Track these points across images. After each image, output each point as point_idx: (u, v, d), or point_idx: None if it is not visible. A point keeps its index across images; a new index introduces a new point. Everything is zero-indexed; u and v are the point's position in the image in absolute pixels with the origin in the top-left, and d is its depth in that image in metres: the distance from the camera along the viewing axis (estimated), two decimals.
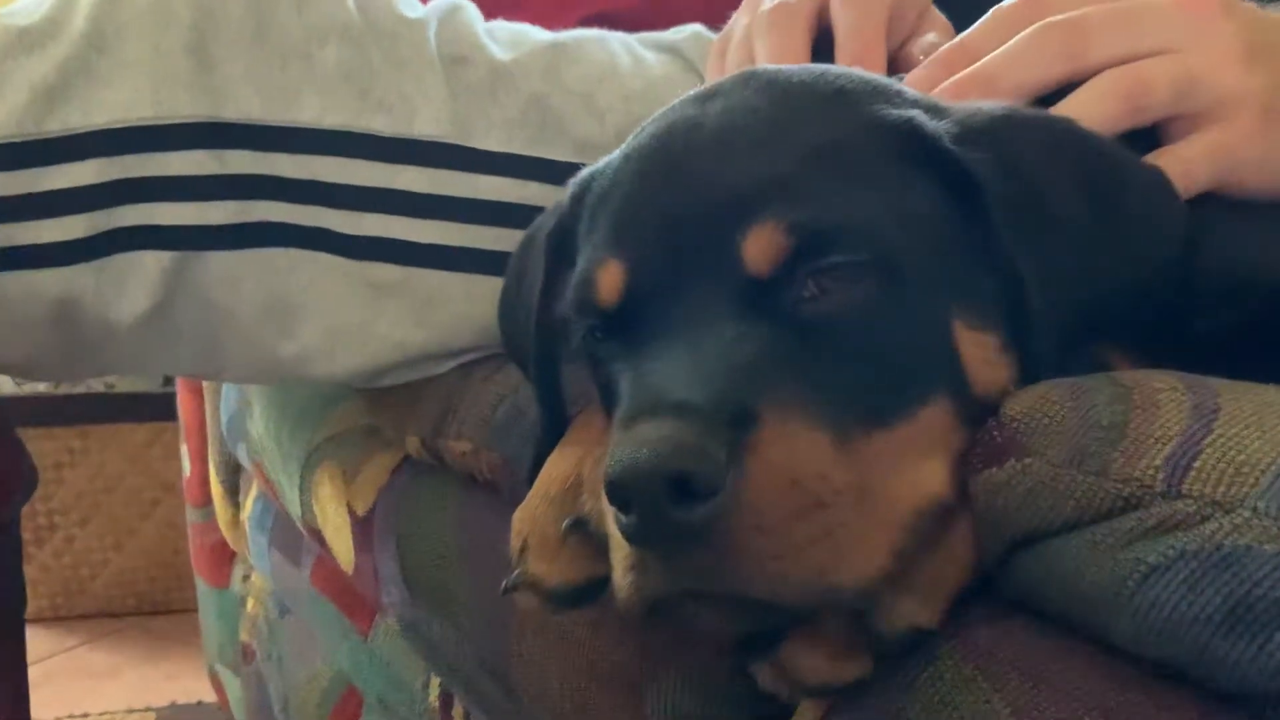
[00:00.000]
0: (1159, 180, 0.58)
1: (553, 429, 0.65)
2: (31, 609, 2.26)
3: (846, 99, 0.55)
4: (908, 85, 0.62)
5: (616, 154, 0.59)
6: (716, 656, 0.59)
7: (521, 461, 0.70)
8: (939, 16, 0.83)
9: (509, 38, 0.93)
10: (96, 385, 2.34)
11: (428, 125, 0.86)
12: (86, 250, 0.78)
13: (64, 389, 2.32)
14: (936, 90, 0.62)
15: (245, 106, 0.81)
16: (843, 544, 0.45)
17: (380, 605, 0.98)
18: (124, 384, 2.34)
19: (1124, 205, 0.55)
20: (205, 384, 1.64)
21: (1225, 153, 0.60)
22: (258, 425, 1.29)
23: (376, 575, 0.95)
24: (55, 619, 2.40)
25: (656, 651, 0.62)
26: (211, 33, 0.80)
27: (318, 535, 1.09)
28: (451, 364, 0.93)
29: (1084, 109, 0.60)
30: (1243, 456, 0.41)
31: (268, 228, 0.82)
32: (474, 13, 0.93)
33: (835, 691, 0.50)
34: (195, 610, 1.83)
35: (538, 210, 0.72)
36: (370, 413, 1.05)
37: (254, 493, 1.48)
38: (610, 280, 0.54)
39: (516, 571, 0.59)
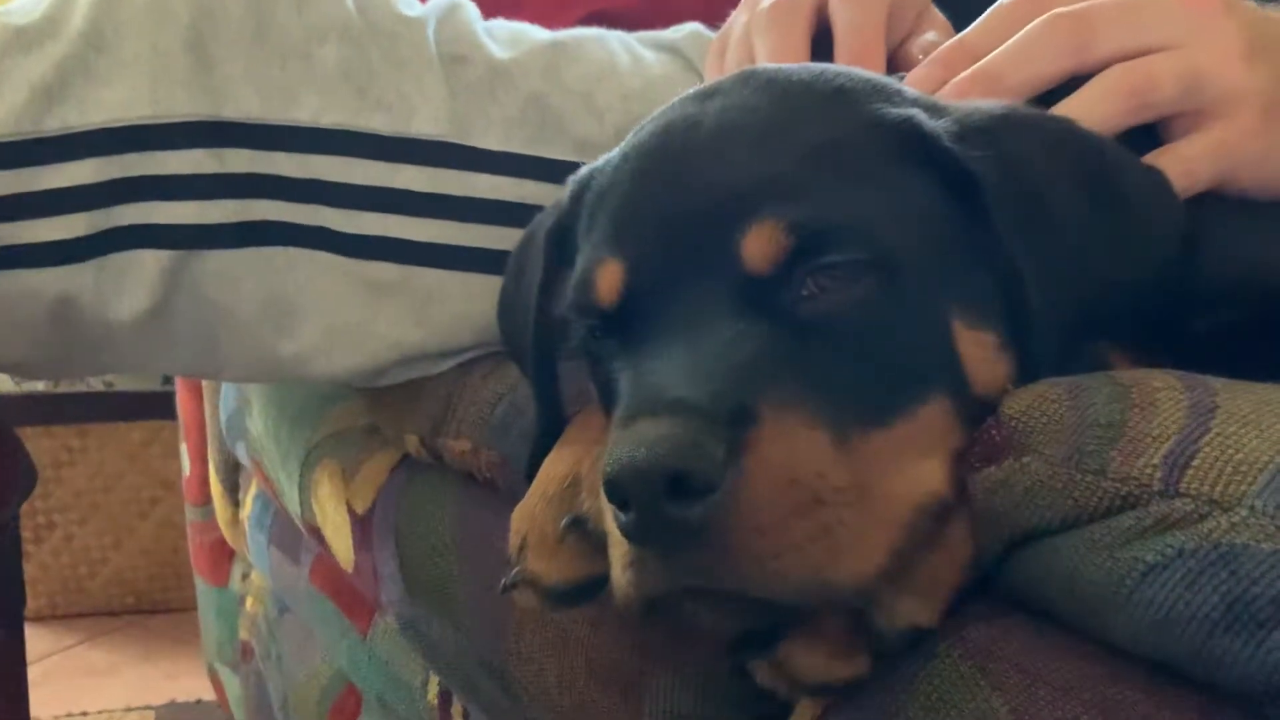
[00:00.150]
0: (1158, 180, 0.58)
1: (551, 427, 0.65)
2: (30, 607, 2.26)
3: (846, 98, 0.55)
4: (908, 84, 0.62)
5: (616, 152, 0.59)
6: (715, 655, 0.59)
7: (520, 460, 0.70)
8: (938, 15, 0.83)
9: (508, 36, 0.92)
10: (96, 384, 2.33)
11: (427, 124, 0.86)
12: (85, 249, 0.78)
13: (63, 388, 2.32)
14: (944, 89, 0.62)
15: (244, 105, 0.80)
16: (841, 542, 0.45)
17: (379, 603, 0.98)
18: (123, 383, 2.34)
19: (1123, 205, 0.55)
20: (204, 383, 1.64)
21: (1227, 151, 0.60)
22: (257, 424, 1.29)
23: (376, 574, 0.95)
24: (54, 617, 2.40)
25: (655, 650, 0.62)
26: (210, 31, 0.80)
27: (317, 534, 1.09)
28: (450, 363, 0.93)
29: (1089, 105, 0.60)
30: (1240, 455, 0.41)
31: (267, 227, 0.82)
32: (473, 12, 0.93)
33: (833, 690, 0.50)
34: (194, 609, 1.83)
35: (537, 209, 0.72)
36: (369, 411, 1.04)
37: (253, 491, 1.47)
38: (609, 280, 0.54)
39: (515, 570, 0.59)
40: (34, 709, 1.28)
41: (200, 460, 1.68)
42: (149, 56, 0.79)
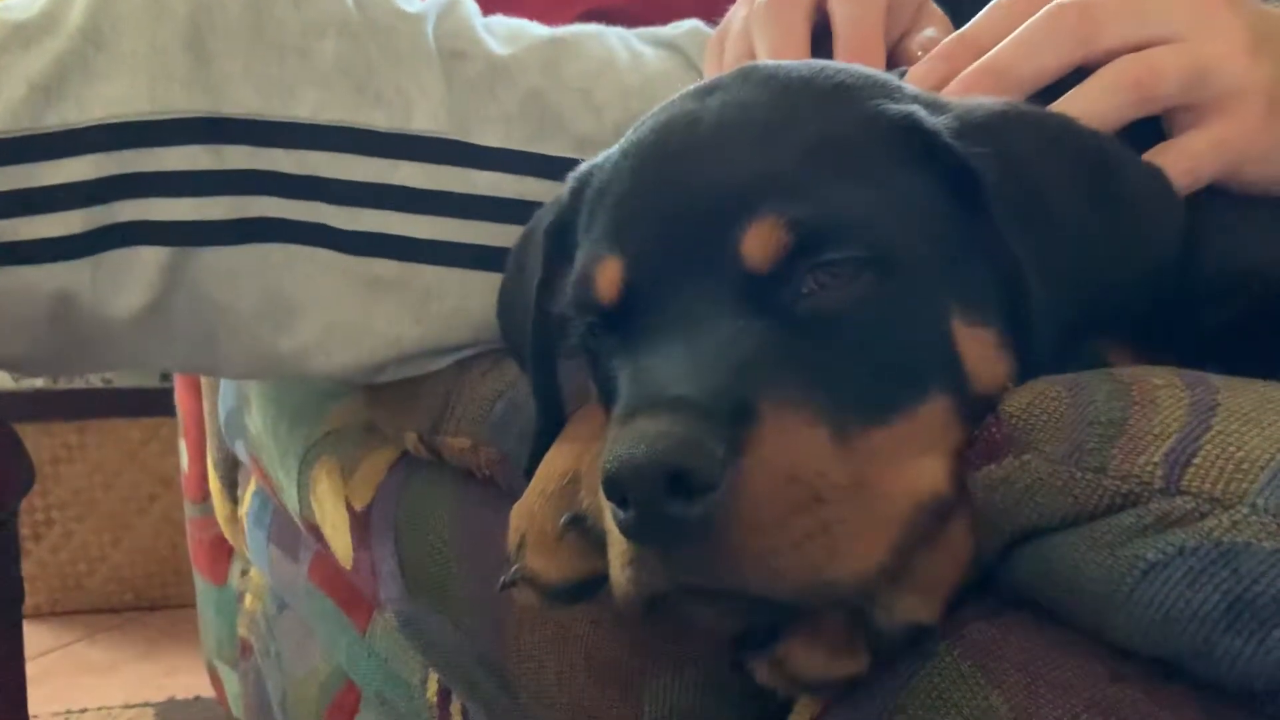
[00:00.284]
0: (1157, 178, 0.58)
1: (550, 424, 0.65)
2: (29, 604, 2.26)
3: (846, 94, 0.55)
4: (910, 80, 0.62)
5: (615, 149, 0.59)
6: (714, 652, 0.59)
7: (519, 457, 0.70)
8: (936, 11, 0.83)
9: (507, 33, 0.92)
10: (94, 381, 2.34)
11: (425, 120, 0.85)
12: (83, 245, 0.78)
13: (62, 384, 2.32)
14: (951, 85, 0.62)
15: (242, 101, 0.80)
16: (840, 540, 0.45)
17: (378, 601, 0.98)
18: (122, 379, 2.34)
19: (1122, 201, 0.55)
20: (203, 380, 1.64)
21: (1231, 146, 0.60)
22: (256, 421, 1.29)
23: (374, 571, 0.94)
24: (53, 614, 2.40)
25: (654, 648, 0.62)
26: (208, 27, 0.80)
27: (316, 531, 1.09)
28: (449, 360, 0.93)
29: (1093, 98, 0.59)
30: (1242, 453, 0.41)
31: (265, 223, 0.82)
32: (472, 8, 0.93)
33: (833, 688, 0.50)
34: (193, 606, 1.83)
35: (536, 206, 0.71)
36: (368, 409, 1.04)
37: (252, 488, 1.47)
38: (609, 277, 0.53)
39: (514, 567, 0.59)
40: (33, 706, 1.28)
41: (199, 457, 1.68)
42: (147, 53, 0.78)
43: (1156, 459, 0.42)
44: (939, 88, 0.62)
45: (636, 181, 0.55)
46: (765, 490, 0.44)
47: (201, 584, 1.76)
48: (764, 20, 0.77)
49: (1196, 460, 0.41)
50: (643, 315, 0.52)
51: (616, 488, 0.44)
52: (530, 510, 0.60)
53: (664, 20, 1.04)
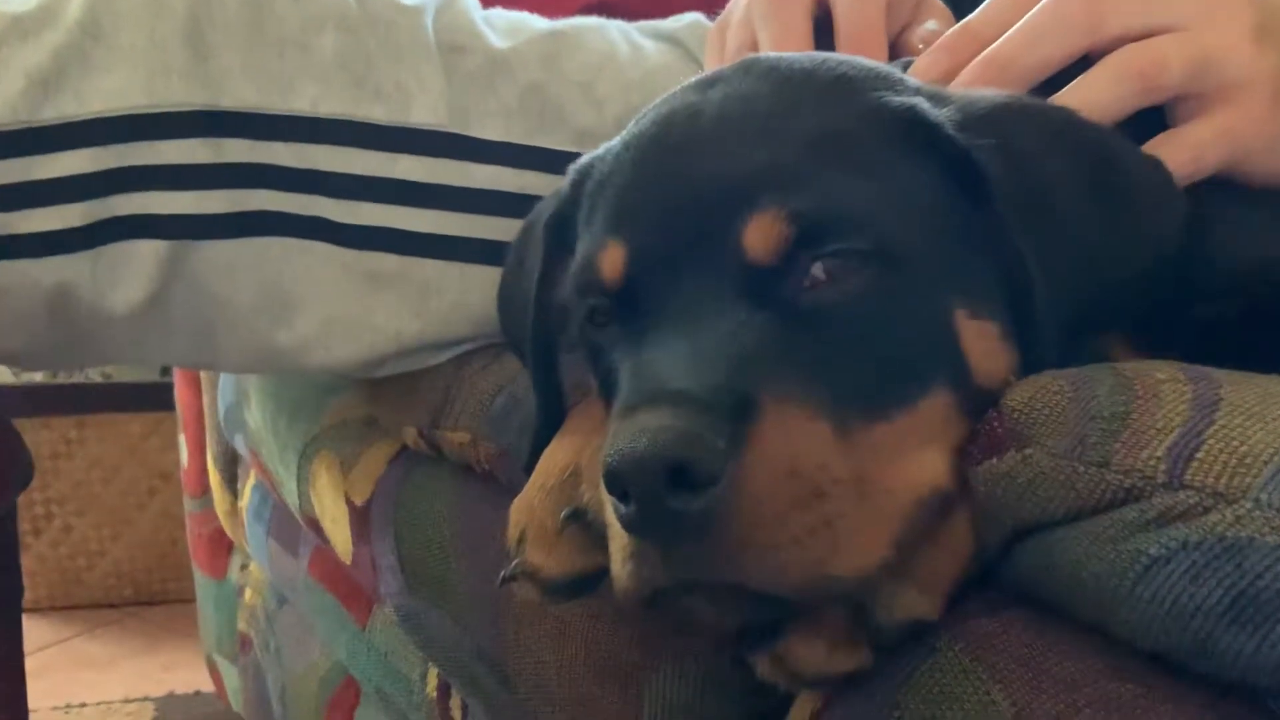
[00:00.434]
0: (1158, 168, 0.57)
1: (550, 418, 0.65)
2: (28, 599, 2.26)
3: (847, 86, 0.55)
4: (914, 72, 0.62)
5: (617, 141, 0.59)
6: (715, 647, 0.59)
7: (519, 451, 0.70)
8: (937, 3, 0.82)
9: (507, 26, 0.92)
10: (94, 375, 2.33)
11: (425, 114, 0.85)
12: (82, 239, 0.78)
13: (61, 379, 2.32)
14: (959, 77, 0.62)
15: (241, 95, 0.80)
16: (842, 534, 0.44)
17: (378, 595, 0.98)
18: (121, 374, 2.34)
19: (1124, 193, 0.55)
20: (203, 374, 1.63)
21: (1235, 136, 0.60)
22: (255, 416, 1.28)
23: (374, 565, 0.94)
24: (52, 609, 2.40)
25: (654, 642, 0.62)
26: (207, 20, 0.80)
27: (315, 525, 1.09)
28: (449, 354, 0.92)
29: (1098, 88, 0.59)
30: (1245, 447, 0.40)
31: (264, 217, 0.82)
32: (471, 1, 0.93)
33: (833, 683, 0.49)
34: (193, 600, 1.83)
35: (536, 199, 0.71)
36: (367, 403, 1.04)
37: (251, 483, 1.47)
38: (612, 261, 0.53)
39: (514, 562, 0.59)
40: (32, 700, 1.28)
41: (199, 452, 1.68)
42: (146, 46, 0.78)
43: (1159, 453, 0.42)
44: (943, 80, 0.62)
45: (638, 174, 0.55)
46: (767, 485, 0.43)
47: (201, 579, 1.76)
48: (766, 13, 0.77)
49: (1200, 455, 0.41)
50: (643, 306, 0.52)
51: (618, 482, 0.44)
52: (530, 505, 0.60)
53: (664, 14, 1.04)
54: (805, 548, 0.44)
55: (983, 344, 0.50)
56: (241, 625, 1.58)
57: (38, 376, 2.30)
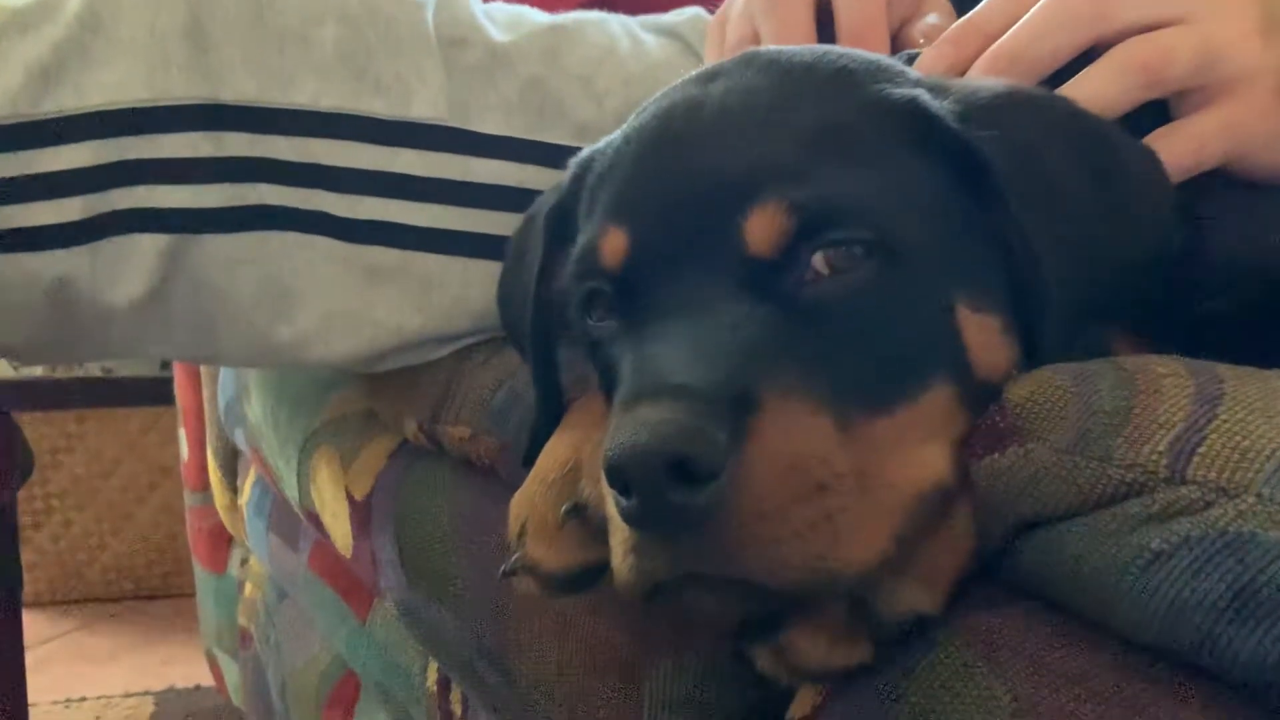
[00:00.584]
0: (1152, 161, 0.57)
1: (550, 412, 0.65)
2: (28, 593, 2.26)
3: (849, 79, 0.55)
4: (919, 67, 0.62)
5: (617, 134, 0.59)
6: (716, 641, 0.59)
7: (519, 446, 0.70)
8: None
9: (507, 20, 0.92)
10: (94, 370, 2.33)
11: (425, 108, 0.85)
12: (82, 233, 0.78)
13: (61, 373, 2.32)
14: (970, 72, 0.61)
15: (242, 88, 0.80)
16: (843, 528, 0.44)
17: (378, 590, 0.98)
18: (122, 369, 2.34)
19: (1121, 183, 0.55)
20: (203, 369, 1.64)
21: (1239, 129, 0.60)
22: (255, 410, 1.28)
23: (374, 560, 0.94)
24: (52, 603, 2.40)
25: (655, 636, 0.62)
26: (207, 14, 0.79)
27: (315, 520, 1.09)
28: (449, 349, 0.92)
29: (1102, 81, 0.59)
30: (1248, 442, 0.40)
31: (265, 211, 0.82)
32: None
33: (834, 677, 0.49)
34: (193, 595, 1.83)
35: (536, 194, 0.71)
36: (368, 397, 1.04)
37: (252, 477, 1.47)
38: (613, 246, 0.53)
39: (515, 556, 0.59)
40: (32, 695, 1.28)
41: (199, 446, 1.68)
42: (146, 39, 0.78)
43: (1162, 448, 0.42)
44: (949, 74, 0.62)
45: (639, 167, 0.55)
46: (768, 478, 0.43)
47: (201, 573, 1.76)
48: (766, 8, 0.77)
49: (1202, 449, 0.41)
50: (643, 298, 0.52)
51: (619, 475, 0.44)
52: (531, 499, 0.59)
53: (665, 8, 1.04)
54: (806, 542, 0.44)
55: (985, 337, 0.50)
56: (241, 620, 1.58)
57: (38, 371, 2.30)
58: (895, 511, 0.46)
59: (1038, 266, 0.50)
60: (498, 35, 0.89)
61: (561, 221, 0.61)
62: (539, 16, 0.94)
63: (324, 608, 1.18)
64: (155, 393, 2.24)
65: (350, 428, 1.05)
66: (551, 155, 0.87)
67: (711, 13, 0.96)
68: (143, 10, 0.78)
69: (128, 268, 0.79)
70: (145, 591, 2.46)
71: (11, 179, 0.76)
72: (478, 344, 0.91)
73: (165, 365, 2.20)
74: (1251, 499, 0.39)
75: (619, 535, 0.47)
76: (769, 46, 0.67)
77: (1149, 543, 0.40)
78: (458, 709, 0.88)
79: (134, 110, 0.78)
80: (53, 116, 0.76)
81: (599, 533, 0.52)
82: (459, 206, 0.87)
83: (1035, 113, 0.55)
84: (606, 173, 0.57)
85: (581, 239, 0.56)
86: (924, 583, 0.47)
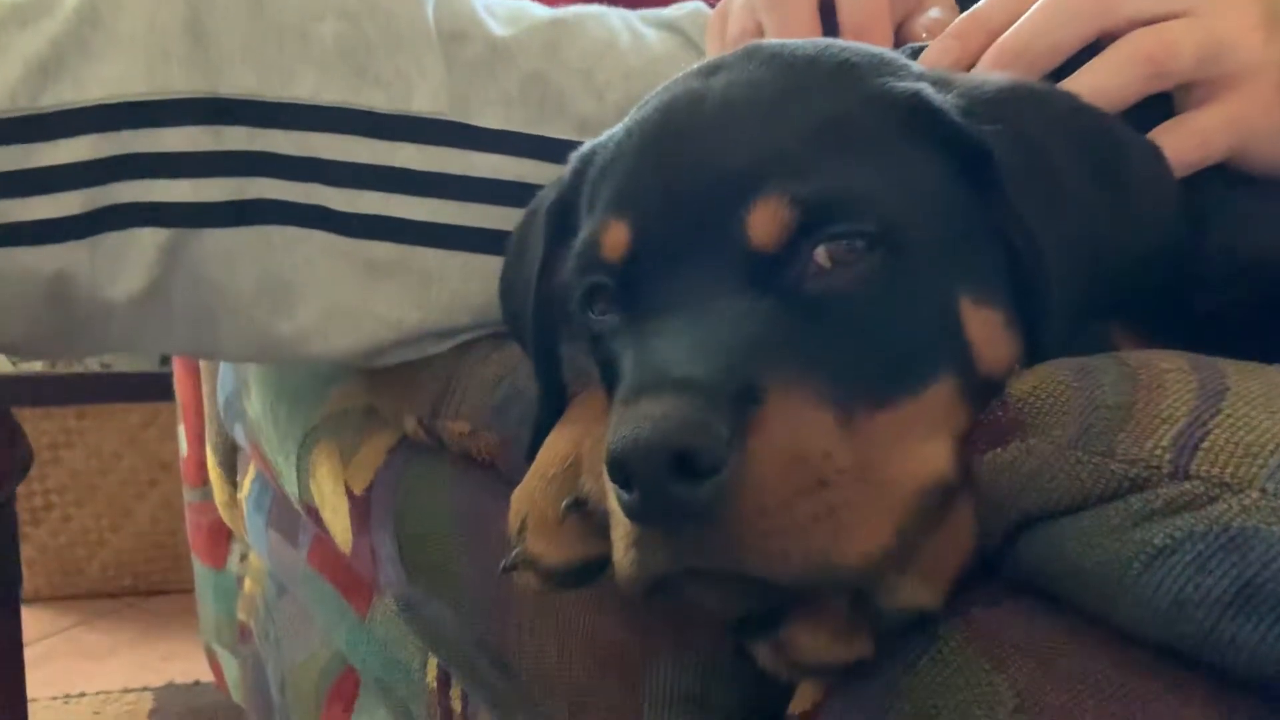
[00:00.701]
0: (1156, 155, 0.57)
1: (551, 407, 0.65)
2: (28, 589, 2.26)
3: (851, 72, 0.54)
4: (924, 61, 0.62)
5: (619, 128, 0.58)
6: (716, 636, 0.59)
7: (520, 441, 0.70)
8: None
9: (507, 14, 0.92)
10: (93, 365, 2.33)
11: (425, 102, 0.85)
12: (81, 227, 0.78)
13: (60, 369, 2.32)
14: (977, 67, 0.61)
15: (241, 82, 0.80)
16: (845, 523, 0.44)
17: (378, 585, 0.98)
18: (121, 364, 2.34)
19: (1126, 177, 0.55)
20: (202, 364, 1.63)
21: (1243, 123, 0.60)
22: (255, 405, 1.28)
23: (374, 555, 0.94)
24: (52, 599, 2.40)
25: (656, 631, 0.62)
26: (207, 8, 0.79)
27: (315, 515, 1.09)
28: (449, 344, 0.92)
29: (1106, 74, 0.59)
30: (1251, 437, 0.40)
31: (264, 205, 0.82)
32: None
33: (835, 672, 0.49)
34: (192, 590, 1.83)
35: (537, 188, 0.71)
36: (367, 392, 1.04)
37: (251, 473, 1.47)
38: (615, 238, 0.53)
39: (515, 551, 0.58)
40: (31, 690, 1.28)
41: (198, 442, 1.68)
42: (145, 33, 0.78)
43: (1165, 443, 0.42)
44: (954, 69, 0.62)
45: (640, 160, 0.55)
46: (770, 473, 0.43)
47: (200, 568, 1.76)
48: (769, 1, 0.77)
49: (1205, 444, 0.41)
50: (645, 292, 0.52)
51: (621, 469, 0.44)
52: (531, 494, 0.59)
53: (666, 2, 1.04)
54: (808, 536, 0.43)
55: (987, 332, 0.50)
56: (241, 615, 1.58)
57: (37, 366, 2.30)
58: (897, 506, 0.46)
59: (1040, 261, 0.50)
60: (498, 29, 0.89)
61: (563, 216, 0.61)
62: (539, 10, 0.94)
63: (323, 603, 1.18)
64: (154, 388, 2.24)
65: (350, 423, 1.05)
66: (552, 149, 0.87)
67: (712, 6, 0.96)
68: (142, 4, 0.78)
69: (127, 262, 0.79)
70: (145, 587, 2.45)
71: (10, 173, 0.76)
72: (478, 339, 0.91)
73: (165, 360, 2.20)
74: (1255, 494, 0.39)
75: (620, 529, 0.47)
76: (771, 40, 0.67)
77: (1152, 538, 0.40)
78: (457, 705, 0.88)
79: (133, 104, 0.77)
80: (52, 110, 0.76)
81: (599, 528, 0.52)
82: (459, 201, 0.87)
83: (1039, 107, 0.55)
84: (608, 167, 0.57)
85: (583, 233, 0.56)
86: (925, 578, 0.47)
